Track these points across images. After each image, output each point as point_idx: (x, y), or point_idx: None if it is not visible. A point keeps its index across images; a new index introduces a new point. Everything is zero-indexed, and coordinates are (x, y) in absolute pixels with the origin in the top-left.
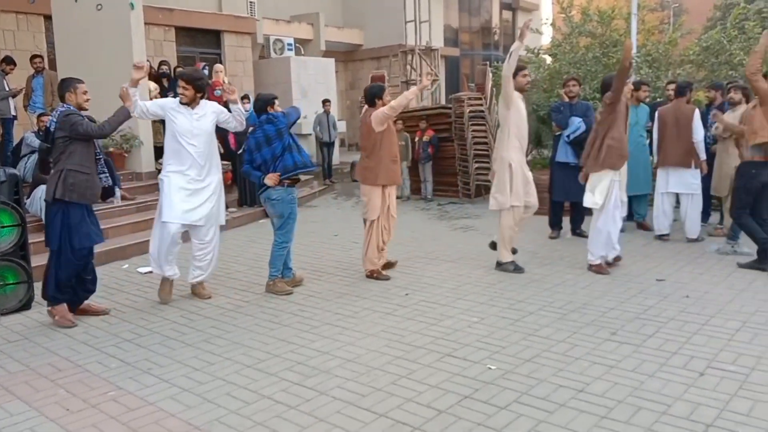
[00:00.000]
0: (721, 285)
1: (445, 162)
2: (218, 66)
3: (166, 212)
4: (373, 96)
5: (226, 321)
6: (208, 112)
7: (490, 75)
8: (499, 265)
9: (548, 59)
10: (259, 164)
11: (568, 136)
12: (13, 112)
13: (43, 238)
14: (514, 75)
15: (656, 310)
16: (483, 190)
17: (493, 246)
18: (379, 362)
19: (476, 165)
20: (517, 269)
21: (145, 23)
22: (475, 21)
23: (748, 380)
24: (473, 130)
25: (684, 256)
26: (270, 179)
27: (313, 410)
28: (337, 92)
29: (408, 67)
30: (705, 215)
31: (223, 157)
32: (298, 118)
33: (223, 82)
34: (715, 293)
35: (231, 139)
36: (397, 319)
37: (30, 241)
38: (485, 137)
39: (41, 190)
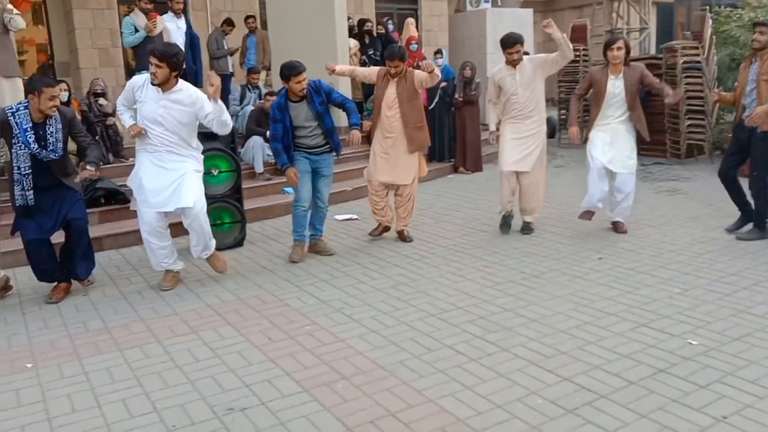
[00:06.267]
0: None
1: (651, 118)
2: (409, 20)
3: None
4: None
5: (413, 270)
6: (184, 100)
7: (710, 22)
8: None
9: None
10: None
11: None
12: (230, 69)
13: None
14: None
15: None
16: (695, 150)
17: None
18: (565, 325)
19: (689, 122)
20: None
21: None
22: None
23: None
24: (687, 83)
25: None
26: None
27: (494, 365)
28: (534, 45)
29: (614, 15)
30: None
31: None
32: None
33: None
34: None
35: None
36: (587, 283)
37: (243, 186)
38: (701, 91)
39: (254, 141)
